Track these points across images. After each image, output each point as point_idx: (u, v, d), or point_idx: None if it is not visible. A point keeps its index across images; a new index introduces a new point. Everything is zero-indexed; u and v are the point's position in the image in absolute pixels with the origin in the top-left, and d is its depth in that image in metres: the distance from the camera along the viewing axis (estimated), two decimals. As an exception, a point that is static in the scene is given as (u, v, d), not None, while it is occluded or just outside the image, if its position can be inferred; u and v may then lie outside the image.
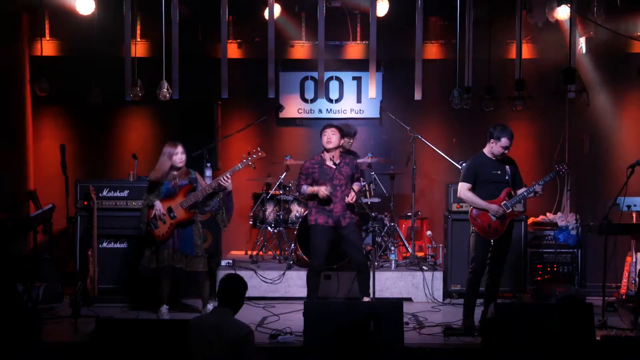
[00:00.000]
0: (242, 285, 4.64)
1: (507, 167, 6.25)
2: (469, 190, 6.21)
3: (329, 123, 6.79)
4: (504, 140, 6.12)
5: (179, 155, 6.56)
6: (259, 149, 6.59)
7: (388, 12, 8.02)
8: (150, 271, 6.57)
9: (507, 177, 6.23)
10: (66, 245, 7.54)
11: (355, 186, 6.62)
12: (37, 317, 4.04)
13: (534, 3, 7.52)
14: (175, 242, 6.54)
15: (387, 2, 8.00)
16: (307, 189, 6.58)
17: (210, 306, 6.64)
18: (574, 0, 7.06)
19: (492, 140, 6.17)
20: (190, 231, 6.59)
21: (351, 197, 6.51)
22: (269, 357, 5.59)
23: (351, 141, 7.95)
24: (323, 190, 6.47)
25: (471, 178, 6.22)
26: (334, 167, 6.51)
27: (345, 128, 7.32)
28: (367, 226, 7.53)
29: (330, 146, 6.51)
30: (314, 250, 6.62)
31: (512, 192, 6.26)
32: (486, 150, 6.27)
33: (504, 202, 6.15)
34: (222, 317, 4.50)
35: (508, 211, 6.14)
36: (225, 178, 6.47)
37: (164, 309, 6.63)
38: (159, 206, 6.52)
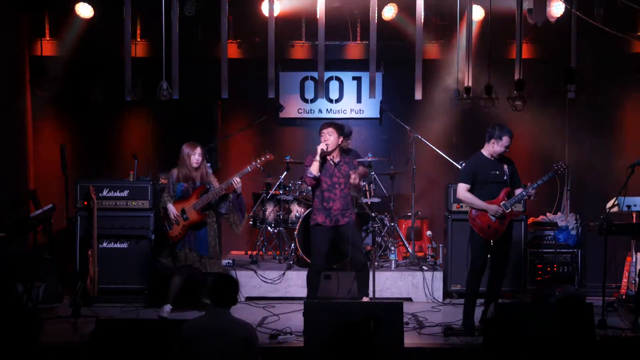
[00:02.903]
0: (235, 284, 4.63)
1: (505, 167, 6.25)
2: (468, 191, 6.22)
3: (326, 122, 6.78)
4: (505, 139, 6.13)
5: (195, 157, 6.63)
6: (266, 151, 6.66)
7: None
8: (167, 268, 6.65)
9: (505, 177, 6.23)
10: (66, 245, 7.54)
11: (360, 169, 6.58)
12: (37, 317, 4.03)
13: (534, 3, 7.52)
14: (191, 243, 6.61)
15: (395, 6, 8.04)
16: (311, 167, 6.48)
17: None
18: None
19: (492, 141, 6.17)
20: (205, 233, 6.66)
21: (354, 177, 6.50)
22: (269, 357, 5.59)
23: (348, 141, 7.94)
24: (319, 146, 6.47)
25: (470, 179, 6.22)
26: (333, 165, 6.52)
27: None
28: (367, 226, 7.53)
29: (329, 149, 6.51)
30: (314, 250, 6.63)
31: (511, 192, 6.27)
32: (485, 151, 6.26)
33: (503, 202, 6.15)
34: (224, 319, 4.47)
35: (507, 211, 6.14)
36: (237, 180, 6.53)
37: (167, 307, 6.65)
38: (172, 209, 6.60)
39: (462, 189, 6.24)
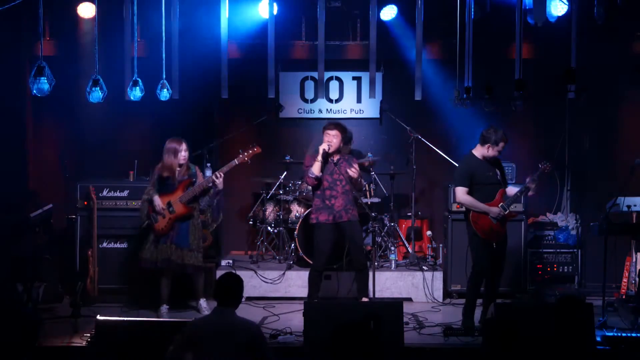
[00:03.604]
0: (240, 283, 4.65)
1: (496, 168, 6.27)
2: (467, 194, 6.19)
3: (331, 122, 6.77)
4: (501, 145, 6.17)
5: (182, 153, 6.64)
6: (253, 144, 6.64)
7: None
8: (153, 264, 6.60)
9: (498, 178, 6.26)
10: (66, 245, 7.54)
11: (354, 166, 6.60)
12: (37, 317, 4.04)
13: (533, 3, 7.51)
14: (173, 236, 6.59)
15: (396, 8, 8.05)
16: (313, 167, 6.49)
17: (202, 302, 6.72)
18: None
19: (487, 145, 6.17)
20: (187, 225, 6.65)
21: (354, 171, 6.49)
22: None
23: (349, 146, 7.94)
24: (321, 146, 6.47)
25: (467, 181, 6.20)
26: (333, 163, 6.53)
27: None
28: (367, 226, 7.53)
29: (330, 151, 6.53)
30: (317, 249, 6.63)
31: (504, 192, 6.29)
32: (476, 152, 6.26)
33: (501, 203, 6.14)
34: (228, 318, 4.49)
35: (506, 212, 6.14)
36: (218, 175, 6.53)
37: (164, 308, 6.67)
38: (158, 201, 6.60)
39: (462, 192, 6.22)
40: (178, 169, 6.69)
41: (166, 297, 6.70)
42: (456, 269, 7.33)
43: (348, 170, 6.52)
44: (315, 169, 6.49)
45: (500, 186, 6.25)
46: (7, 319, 3.84)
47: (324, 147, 6.48)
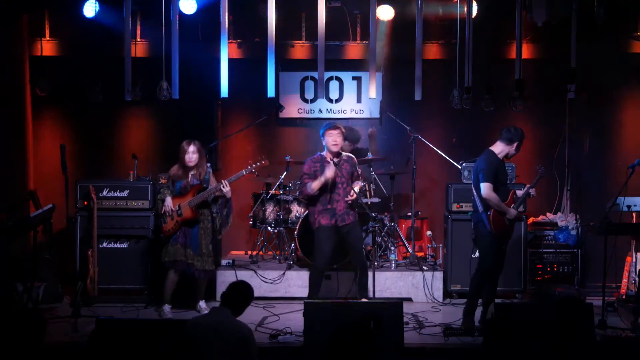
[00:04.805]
0: (250, 295, 4.68)
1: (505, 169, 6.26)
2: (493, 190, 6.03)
3: (335, 124, 6.71)
4: (523, 140, 6.13)
5: (189, 155, 6.64)
6: (263, 157, 6.68)
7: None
8: (171, 263, 6.65)
9: (508, 179, 6.23)
10: (66, 245, 7.54)
11: (356, 185, 6.63)
12: (41, 317, 4.04)
13: (533, 2, 7.53)
14: (186, 240, 6.64)
15: (393, 8, 8.06)
16: (313, 184, 6.51)
17: (202, 303, 6.76)
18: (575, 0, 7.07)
19: (515, 143, 6.08)
20: (196, 231, 6.66)
21: (352, 196, 6.51)
22: (269, 357, 5.59)
23: (352, 146, 7.93)
24: (328, 173, 6.44)
25: (493, 178, 6.02)
26: (334, 165, 6.52)
27: (349, 133, 7.34)
28: (367, 226, 7.53)
29: (335, 149, 6.52)
30: (319, 251, 6.61)
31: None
32: (497, 150, 6.13)
33: (512, 205, 6.11)
34: (222, 317, 4.51)
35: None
36: (225, 184, 6.55)
37: (167, 308, 6.67)
38: (169, 202, 6.65)
39: (489, 188, 5.99)
40: (190, 172, 6.69)
41: (170, 296, 6.70)
42: (456, 269, 7.32)
43: (349, 195, 6.53)
44: (315, 186, 6.48)
45: (511, 187, 6.22)
46: (13, 319, 3.84)
47: (331, 174, 6.45)
